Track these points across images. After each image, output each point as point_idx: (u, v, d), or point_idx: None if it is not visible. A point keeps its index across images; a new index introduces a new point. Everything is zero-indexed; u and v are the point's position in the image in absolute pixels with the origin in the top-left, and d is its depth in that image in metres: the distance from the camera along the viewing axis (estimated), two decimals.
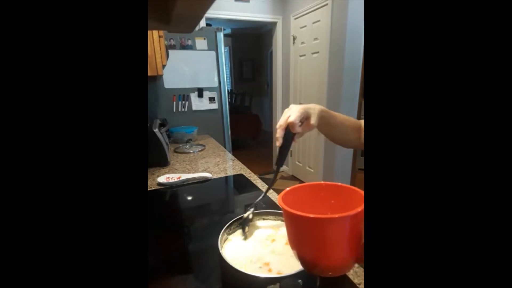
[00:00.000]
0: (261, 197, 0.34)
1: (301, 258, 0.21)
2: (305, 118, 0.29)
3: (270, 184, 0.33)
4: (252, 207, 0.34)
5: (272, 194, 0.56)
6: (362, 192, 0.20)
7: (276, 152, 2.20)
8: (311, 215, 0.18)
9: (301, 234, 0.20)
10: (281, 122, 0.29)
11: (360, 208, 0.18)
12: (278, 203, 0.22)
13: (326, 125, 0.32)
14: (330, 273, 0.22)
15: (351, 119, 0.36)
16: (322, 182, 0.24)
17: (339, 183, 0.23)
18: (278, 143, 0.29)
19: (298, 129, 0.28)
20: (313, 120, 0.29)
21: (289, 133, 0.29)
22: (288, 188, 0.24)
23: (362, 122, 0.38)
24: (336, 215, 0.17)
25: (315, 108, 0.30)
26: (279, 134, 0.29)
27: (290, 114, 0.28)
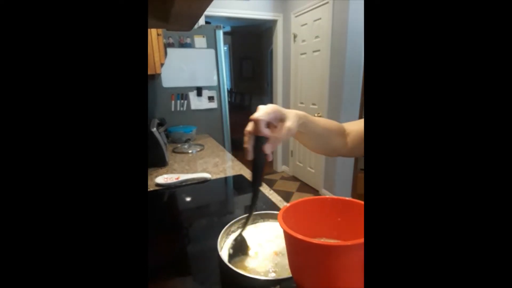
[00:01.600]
0: (237, 233, 0.27)
1: (303, 286, 0.18)
2: (277, 120, 0.22)
3: (248, 215, 0.24)
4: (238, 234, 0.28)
5: (272, 195, 0.56)
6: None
7: (276, 152, 2.17)
8: (320, 242, 0.16)
9: (307, 262, 0.17)
10: (248, 127, 0.21)
11: None
12: (278, 221, 0.18)
13: (306, 133, 0.25)
14: None
15: (333, 122, 0.29)
16: (328, 196, 0.22)
17: (346, 198, 0.20)
18: (248, 156, 0.21)
19: (265, 131, 0.20)
20: (289, 123, 0.21)
21: (260, 141, 0.21)
22: (288, 204, 0.21)
23: (346, 125, 0.31)
24: (349, 243, 0.14)
25: (291, 111, 0.23)
26: (247, 143, 0.21)
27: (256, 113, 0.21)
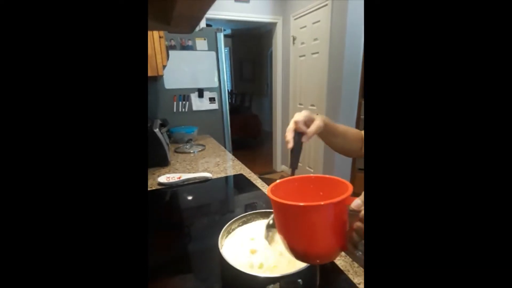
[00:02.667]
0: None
1: (290, 246, 0.21)
2: (310, 120, 0.31)
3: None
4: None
5: None
6: (347, 182, 0.21)
7: (276, 152, 2.20)
8: (297, 203, 0.19)
9: (289, 222, 0.21)
10: (290, 126, 0.30)
11: (344, 196, 0.18)
12: (266, 195, 0.22)
13: (328, 132, 0.33)
14: (318, 261, 0.23)
15: (353, 129, 0.37)
16: (312, 175, 0.25)
17: (328, 176, 0.23)
18: (289, 145, 0.29)
19: (303, 127, 0.29)
20: (318, 120, 0.31)
21: (298, 135, 0.30)
22: (277, 181, 0.24)
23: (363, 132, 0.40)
24: (322, 202, 0.18)
25: (318, 116, 0.32)
26: (289, 136, 0.29)
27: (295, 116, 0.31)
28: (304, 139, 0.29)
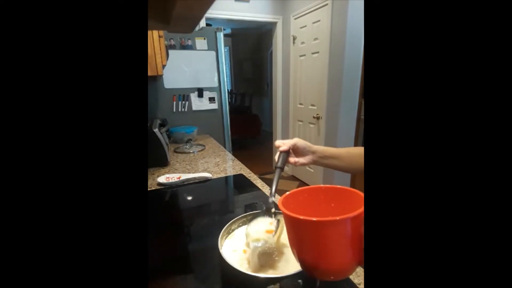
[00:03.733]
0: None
1: (302, 262, 0.21)
2: (299, 152, 0.35)
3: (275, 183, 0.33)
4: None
5: (275, 198, 0.56)
6: (362, 194, 0.20)
7: (275, 153, 2.19)
8: (312, 218, 0.18)
9: (302, 238, 0.20)
10: (279, 148, 0.35)
11: (361, 209, 0.18)
12: (278, 207, 0.21)
13: (320, 157, 0.35)
14: (332, 277, 0.21)
15: (354, 148, 0.38)
16: (322, 185, 0.25)
17: (339, 186, 0.23)
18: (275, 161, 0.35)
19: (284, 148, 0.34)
20: (302, 160, 0.35)
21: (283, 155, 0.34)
22: (288, 192, 0.24)
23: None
24: (337, 217, 0.17)
25: (311, 150, 0.35)
26: (276, 155, 0.35)
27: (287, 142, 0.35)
28: (281, 148, 0.34)
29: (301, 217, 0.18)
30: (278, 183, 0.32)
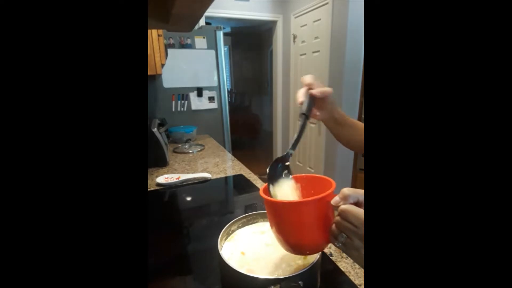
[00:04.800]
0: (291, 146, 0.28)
1: (281, 240, 0.24)
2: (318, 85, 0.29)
3: (297, 137, 0.28)
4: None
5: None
6: (332, 181, 0.23)
7: (276, 152, 2.20)
8: (283, 201, 0.22)
9: (279, 218, 0.23)
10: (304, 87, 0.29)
11: (325, 193, 0.21)
12: (259, 194, 0.24)
13: (336, 120, 0.32)
14: (307, 252, 0.25)
15: (361, 123, 0.36)
16: (304, 174, 0.27)
17: (318, 175, 0.26)
18: (300, 99, 0.28)
19: (317, 91, 0.28)
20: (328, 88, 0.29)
21: (309, 98, 0.29)
22: None
23: None
24: (304, 199, 0.21)
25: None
26: (300, 94, 0.29)
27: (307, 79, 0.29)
28: (314, 91, 0.28)
29: (275, 200, 0.23)
30: (302, 134, 0.27)
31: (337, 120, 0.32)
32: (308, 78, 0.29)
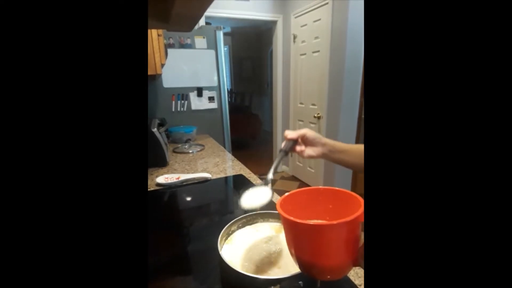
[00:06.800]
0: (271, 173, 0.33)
1: (299, 262, 0.22)
2: (306, 142, 0.34)
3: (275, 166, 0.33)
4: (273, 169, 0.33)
5: (274, 197, 0.56)
6: (359, 197, 0.21)
7: (276, 152, 2.20)
8: (310, 222, 0.19)
9: (299, 239, 0.21)
10: (287, 137, 0.34)
11: (357, 213, 0.18)
12: (277, 210, 0.21)
13: (329, 152, 0.35)
14: (328, 277, 0.23)
15: (357, 145, 0.37)
16: (321, 187, 0.25)
17: (337, 188, 0.24)
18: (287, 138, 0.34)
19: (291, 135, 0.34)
20: (309, 151, 0.34)
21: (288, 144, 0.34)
22: (286, 194, 0.24)
23: None
24: (335, 222, 0.18)
25: (320, 143, 0.35)
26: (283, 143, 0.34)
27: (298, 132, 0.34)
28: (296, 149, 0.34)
29: (299, 221, 0.19)
30: (279, 165, 0.33)
31: (329, 152, 0.35)
32: (286, 132, 0.34)
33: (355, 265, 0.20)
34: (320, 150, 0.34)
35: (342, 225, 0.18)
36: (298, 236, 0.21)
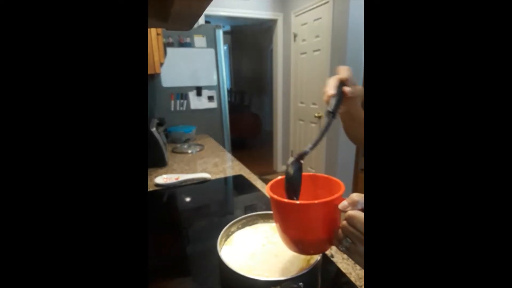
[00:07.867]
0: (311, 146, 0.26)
1: (285, 239, 0.24)
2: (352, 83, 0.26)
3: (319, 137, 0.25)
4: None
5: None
6: (342, 184, 0.23)
7: (276, 152, 2.20)
8: (292, 201, 0.22)
9: (286, 218, 0.23)
10: (333, 80, 0.26)
11: (334, 196, 0.21)
12: (266, 192, 0.24)
13: (351, 115, 0.29)
14: (311, 251, 0.25)
15: None
16: (309, 173, 0.27)
17: (325, 175, 0.26)
18: (330, 91, 0.24)
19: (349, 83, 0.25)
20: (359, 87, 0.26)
21: (340, 85, 0.26)
22: (276, 179, 0.26)
23: None
24: (316, 201, 0.21)
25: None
26: (330, 86, 0.25)
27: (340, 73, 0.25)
28: (348, 90, 0.24)
29: (285, 200, 0.23)
30: (324, 135, 0.24)
31: (352, 115, 0.29)
32: (345, 71, 0.25)
33: (331, 244, 0.23)
34: (348, 110, 0.27)
35: (319, 205, 0.21)
36: (284, 215, 0.23)
